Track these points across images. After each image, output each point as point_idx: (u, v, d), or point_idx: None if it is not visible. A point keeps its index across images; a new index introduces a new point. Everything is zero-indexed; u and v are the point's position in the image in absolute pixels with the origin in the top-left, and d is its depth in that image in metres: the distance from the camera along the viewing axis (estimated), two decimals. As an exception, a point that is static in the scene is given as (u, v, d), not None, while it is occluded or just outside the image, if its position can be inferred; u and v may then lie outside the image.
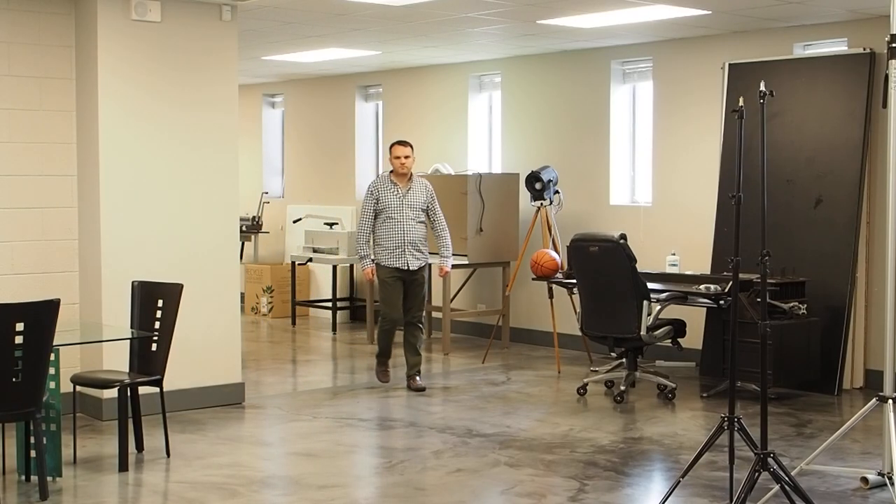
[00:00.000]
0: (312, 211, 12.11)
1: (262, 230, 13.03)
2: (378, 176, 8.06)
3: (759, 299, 5.42)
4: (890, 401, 5.26)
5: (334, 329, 11.29)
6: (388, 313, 8.09)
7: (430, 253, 8.20)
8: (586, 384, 8.13)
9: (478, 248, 9.94)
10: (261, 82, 13.34)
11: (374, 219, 8.03)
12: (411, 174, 8.10)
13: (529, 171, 9.68)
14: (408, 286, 8.07)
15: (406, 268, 7.97)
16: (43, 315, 5.23)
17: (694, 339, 8.66)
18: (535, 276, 9.14)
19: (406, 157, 8.01)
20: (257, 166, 13.62)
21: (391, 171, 8.09)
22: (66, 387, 6.18)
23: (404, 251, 7.96)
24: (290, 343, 10.83)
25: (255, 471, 6.03)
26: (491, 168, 11.11)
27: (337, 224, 11.60)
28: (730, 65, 8.84)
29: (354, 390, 8.35)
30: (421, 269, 8.08)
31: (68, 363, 6.53)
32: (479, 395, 8.07)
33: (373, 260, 8.08)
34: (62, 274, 7.24)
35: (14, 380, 5.20)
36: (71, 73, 7.23)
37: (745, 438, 5.04)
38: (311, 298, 12.51)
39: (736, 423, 5.03)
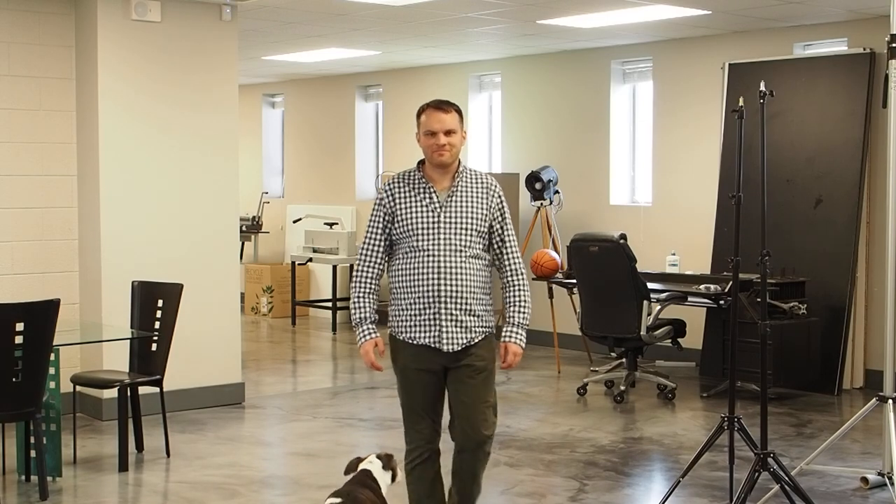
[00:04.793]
0: (312, 211, 12.11)
1: (262, 230, 13.03)
2: (397, 174, 4.38)
3: (759, 299, 5.42)
4: (890, 401, 5.26)
5: (334, 329, 11.29)
6: (411, 433, 4.38)
7: (495, 313, 4.46)
8: (586, 384, 8.12)
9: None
10: (261, 82, 13.35)
11: (388, 251, 4.34)
12: (459, 164, 4.34)
13: (529, 171, 9.68)
14: (453, 380, 4.28)
15: (440, 346, 4.21)
16: (43, 315, 5.23)
17: (694, 339, 8.66)
18: (535, 276, 9.13)
19: (449, 132, 4.23)
20: (257, 166, 13.62)
21: (420, 163, 4.36)
22: (66, 387, 6.18)
23: (440, 312, 4.18)
24: (290, 343, 10.83)
25: (255, 471, 6.03)
26: (491, 168, 11.11)
27: (337, 224, 11.60)
28: (730, 65, 8.84)
29: (354, 390, 8.34)
30: (473, 346, 4.25)
31: (68, 363, 6.53)
32: (479, 395, 8.06)
33: (375, 328, 4.31)
34: (62, 274, 7.24)
35: (14, 380, 5.20)
36: (71, 73, 7.23)
37: (745, 438, 5.04)
38: (311, 298, 12.51)
39: (736, 423, 5.04)
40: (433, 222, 4.22)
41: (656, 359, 8.86)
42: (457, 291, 4.18)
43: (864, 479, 5.54)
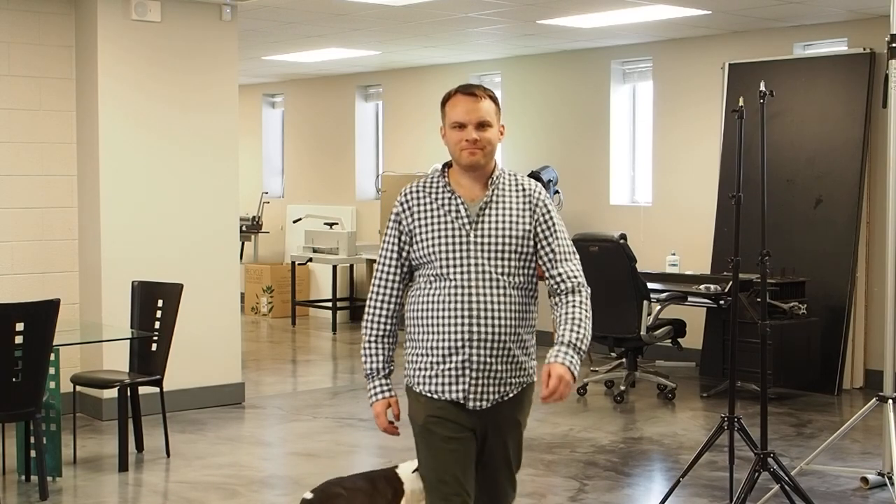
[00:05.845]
0: (312, 211, 12.11)
1: (262, 230, 13.04)
2: (416, 182, 3.44)
3: (759, 299, 5.42)
4: (890, 401, 5.26)
5: (334, 329, 11.29)
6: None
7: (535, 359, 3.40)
8: (586, 384, 8.12)
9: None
10: (261, 82, 13.35)
11: (407, 279, 3.43)
12: (496, 167, 3.41)
13: (529, 171, 9.67)
14: (485, 442, 3.37)
15: (467, 401, 3.29)
16: (43, 315, 5.23)
17: (694, 339, 8.66)
18: (535, 276, 9.13)
19: (482, 125, 3.31)
20: (257, 166, 13.62)
21: (446, 166, 3.43)
22: (66, 387, 6.18)
23: (469, 360, 3.26)
24: (290, 343, 10.83)
25: (255, 471, 6.03)
26: (491, 168, 11.10)
27: (337, 224, 11.60)
28: (730, 65, 8.84)
29: (354, 390, 8.35)
30: (506, 402, 3.33)
31: (68, 363, 6.53)
32: (479, 395, 8.06)
33: (389, 382, 3.44)
34: (62, 274, 7.24)
35: (14, 380, 5.20)
36: (71, 74, 7.23)
37: (745, 438, 5.04)
38: (311, 298, 12.50)
39: (736, 423, 5.04)
40: (461, 243, 3.27)
41: (656, 359, 8.85)
42: (493, 333, 3.23)
43: (864, 479, 5.54)
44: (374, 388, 3.42)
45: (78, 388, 6.39)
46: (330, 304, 11.48)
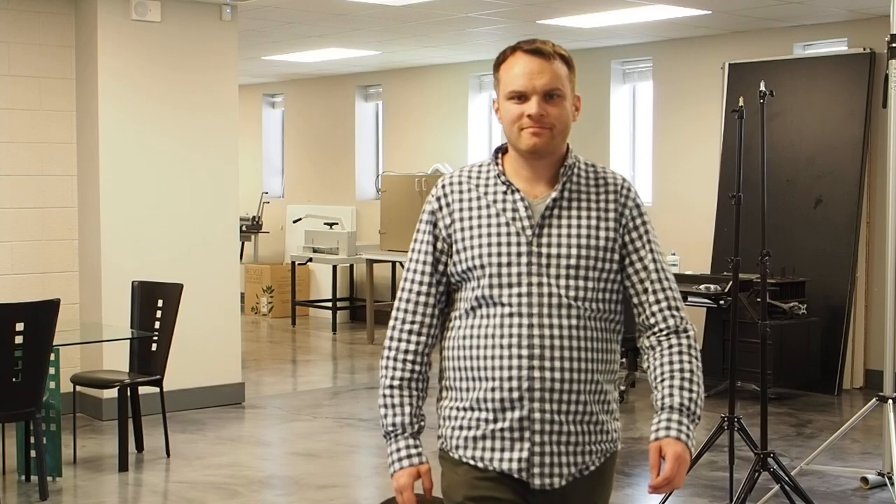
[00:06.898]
0: (312, 211, 12.11)
1: (262, 230, 13.04)
2: (457, 171, 2.50)
3: (759, 299, 5.42)
4: (890, 401, 5.26)
5: (334, 329, 11.29)
6: None
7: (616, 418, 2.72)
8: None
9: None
10: (261, 82, 13.35)
11: (441, 304, 2.49)
12: (569, 153, 2.44)
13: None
14: None
15: (530, 478, 2.40)
16: (43, 315, 5.23)
17: (694, 339, 8.64)
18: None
19: (550, 94, 2.35)
20: (257, 166, 13.62)
21: (500, 151, 2.49)
22: (66, 387, 6.18)
23: (531, 418, 2.38)
24: (290, 343, 10.83)
25: (255, 471, 6.03)
26: (491, 168, 11.08)
27: (337, 224, 11.60)
28: (730, 65, 8.84)
29: (354, 390, 8.35)
30: (585, 479, 2.52)
31: (68, 363, 6.54)
32: (479, 395, 8.05)
33: (418, 444, 2.60)
34: (62, 274, 7.24)
35: (14, 380, 5.20)
36: (71, 74, 7.23)
37: (745, 438, 5.04)
38: (311, 298, 12.51)
39: (736, 423, 5.04)
40: (519, 254, 2.39)
41: (656, 359, 8.83)
42: (563, 381, 2.39)
43: (864, 479, 5.55)
44: (398, 450, 2.55)
45: (78, 388, 6.39)
46: (330, 305, 11.48)
